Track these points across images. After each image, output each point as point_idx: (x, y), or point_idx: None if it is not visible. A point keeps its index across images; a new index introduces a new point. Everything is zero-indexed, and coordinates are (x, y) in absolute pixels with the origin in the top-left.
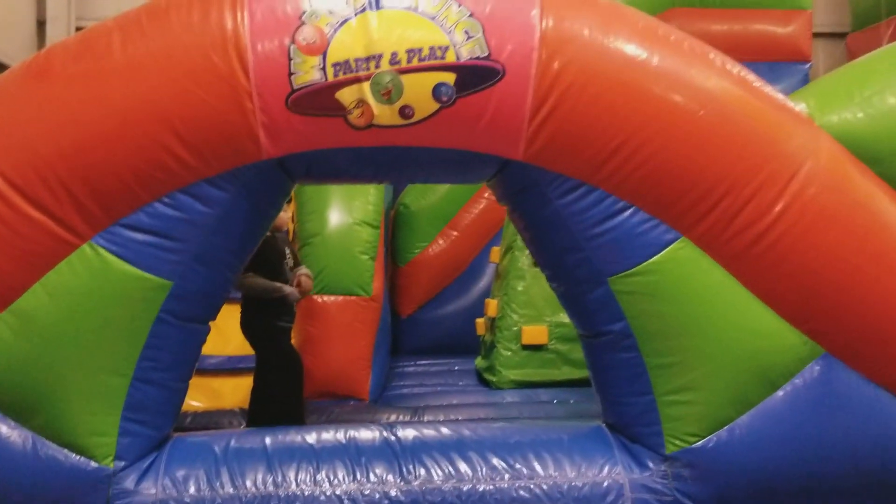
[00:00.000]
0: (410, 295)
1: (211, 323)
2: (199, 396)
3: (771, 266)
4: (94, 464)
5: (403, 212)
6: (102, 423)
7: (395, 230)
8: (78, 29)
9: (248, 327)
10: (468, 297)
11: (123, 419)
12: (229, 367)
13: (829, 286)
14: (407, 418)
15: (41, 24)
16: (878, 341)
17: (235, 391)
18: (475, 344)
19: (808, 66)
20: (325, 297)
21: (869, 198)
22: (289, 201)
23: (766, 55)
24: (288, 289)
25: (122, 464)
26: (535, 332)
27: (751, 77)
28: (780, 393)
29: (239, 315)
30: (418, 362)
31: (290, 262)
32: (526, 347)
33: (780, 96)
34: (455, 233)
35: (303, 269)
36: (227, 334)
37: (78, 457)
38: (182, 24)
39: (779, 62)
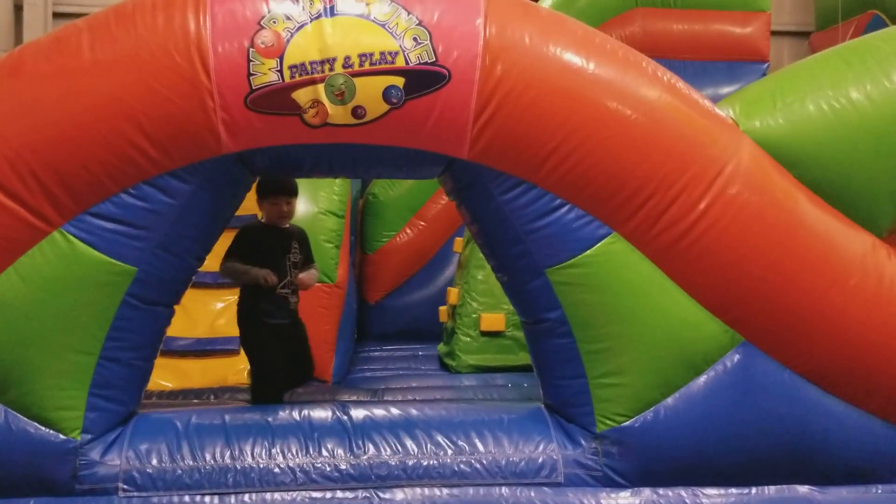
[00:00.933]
0: (378, 282)
1: (179, 307)
2: (169, 377)
3: (695, 260)
4: (62, 436)
5: (372, 201)
6: (70, 398)
7: (363, 219)
8: (55, 14)
9: (238, 319)
10: (434, 286)
11: (90, 395)
12: (197, 349)
13: (749, 279)
14: (366, 399)
15: (18, 9)
16: (793, 330)
17: (204, 372)
18: (439, 330)
19: (766, 65)
20: None
21: (787, 198)
22: (295, 194)
23: (725, 54)
24: (258, 272)
25: (89, 437)
26: (493, 320)
27: (680, 84)
28: (702, 377)
29: (206, 300)
30: (384, 347)
31: (294, 257)
32: (484, 334)
33: (707, 103)
34: (422, 223)
35: (311, 270)
36: (195, 318)
37: (47, 429)
38: (147, 26)
39: (738, 62)
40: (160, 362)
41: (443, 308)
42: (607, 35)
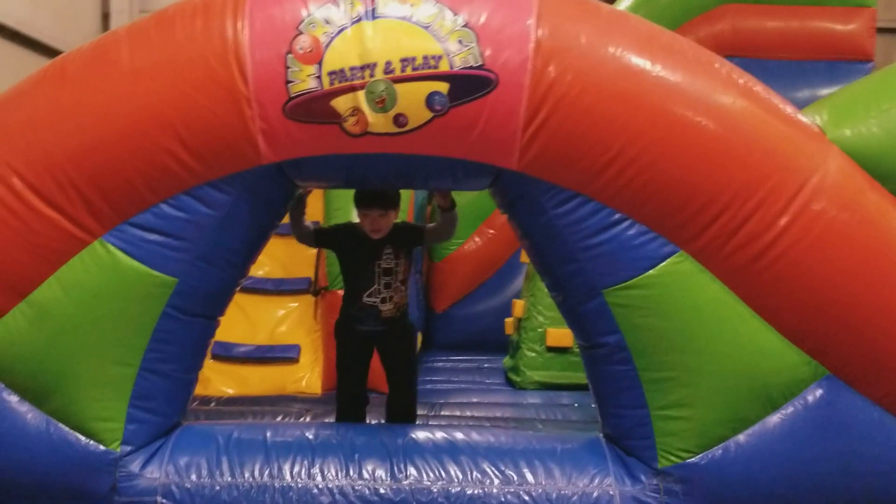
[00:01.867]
0: (445, 291)
1: (241, 313)
2: (230, 383)
3: (773, 283)
4: (102, 447)
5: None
6: (110, 409)
7: None
8: None
9: (334, 329)
10: (503, 296)
11: (131, 406)
12: (257, 356)
13: (835, 305)
14: (422, 412)
15: (105, 17)
16: (884, 363)
17: (263, 380)
18: (507, 342)
19: (870, 65)
20: None
21: (880, 215)
22: (392, 207)
23: (825, 54)
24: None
25: (129, 448)
26: (559, 335)
27: (758, 87)
28: (779, 413)
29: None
30: (450, 357)
31: (386, 264)
32: (550, 349)
33: (790, 108)
34: (491, 231)
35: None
36: (256, 325)
37: (87, 440)
38: (186, 33)
39: (839, 61)
40: (221, 368)
41: (509, 320)
42: (678, 34)
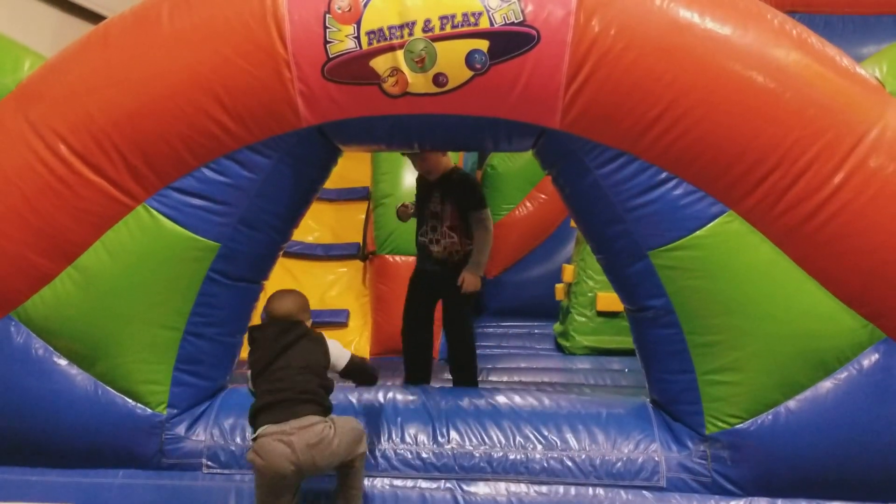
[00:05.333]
0: (497, 257)
1: (291, 277)
2: None
3: (828, 243)
4: (148, 410)
5: (490, 173)
6: (156, 372)
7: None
8: None
9: None
10: (554, 262)
11: (176, 370)
12: None
13: (892, 266)
14: None
15: None
16: None
17: None
18: (558, 308)
19: None
20: (397, 258)
21: None
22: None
23: (892, 7)
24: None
25: (175, 411)
26: (610, 300)
27: (813, 39)
28: (833, 378)
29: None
30: (501, 324)
31: (434, 207)
32: (601, 314)
33: (847, 60)
34: (543, 196)
35: (468, 271)
36: (306, 289)
37: (134, 403)
38: None
39: None
40: None
41: (559, 286)
42: None
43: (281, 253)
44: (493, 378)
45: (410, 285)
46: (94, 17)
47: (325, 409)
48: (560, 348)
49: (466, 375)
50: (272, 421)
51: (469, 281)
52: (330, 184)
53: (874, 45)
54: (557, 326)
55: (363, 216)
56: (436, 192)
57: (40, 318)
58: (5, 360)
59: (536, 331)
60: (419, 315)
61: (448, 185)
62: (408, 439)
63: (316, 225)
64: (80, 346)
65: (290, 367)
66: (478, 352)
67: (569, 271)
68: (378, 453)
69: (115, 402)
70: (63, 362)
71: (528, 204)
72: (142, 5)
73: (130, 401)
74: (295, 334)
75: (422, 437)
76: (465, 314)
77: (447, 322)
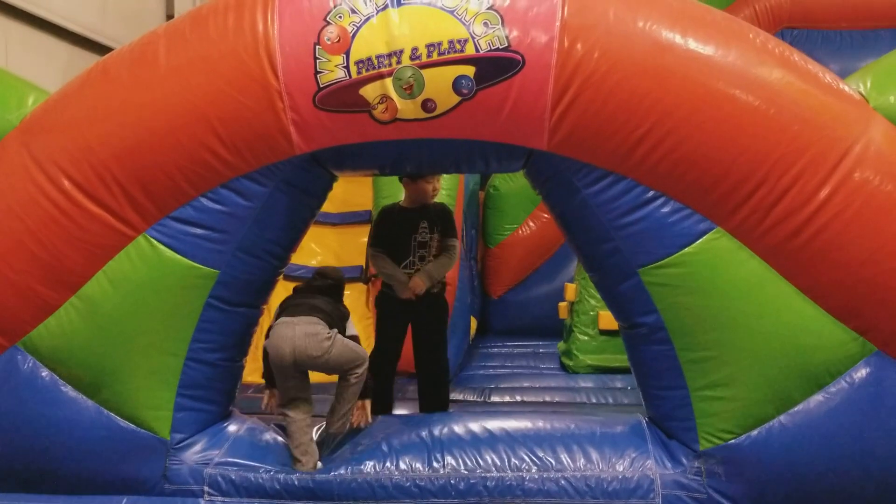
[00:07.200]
0: (501, 276)
1: None
2: None
3: (815, 258)
4: (152, 435)
5: (493, 194)
6: (159, 398)
7: (485, 212)
8: None
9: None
10: (558, 280)
11: (178, 396)
12: None
13: (881, 279)
14: (472, 399)
15: (170, 18)
16: None
17: None
18: (562, 327)
19: None
20: None
21: None
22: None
23: (889, 21)
24: (401, 280)
25: (179, 437)
26: (611, 318)
27: (795, 56)
28: (825, 392)
29: None
30: (506, 343)
31: (422, 237)
32: (603, 332)
33: (830, 76)
34: (545, 215)
35: (424, 270)
36: None
37: (138, 429)
38: (218, 29)
39: None
40: None
41: (563, 304)
42: (708, 6)
43: (282, 276)
44: (495, 398)
45: (384, 313)
46: (103, 49)
47: (333, 324)
48: (564, 367)
49: (439, 400)
50: (288, 315)
51: (416, 282)
52: (332, 207)
53: (872, 59)
54: (561, 345)
55: (365, 239)
56: (423, 221)
57: (46, 348)
58: (12, 389)
59: (541, 349)
60: (393, 344)
61: (433, 215)
62: (402, 466)
63: (319, 248)
64: (84, 374)
65: (315, 298)
66: (481, 372)
67: (571, 290)
68: (374, 482)
69: (120, 428)
70: (69, 390)
71: (531, 223)
72: (140, 41)
73: (134, 426)
74: (328, 288)
75: (417, 464)
76: (441, 349)
77: (421, 349)
